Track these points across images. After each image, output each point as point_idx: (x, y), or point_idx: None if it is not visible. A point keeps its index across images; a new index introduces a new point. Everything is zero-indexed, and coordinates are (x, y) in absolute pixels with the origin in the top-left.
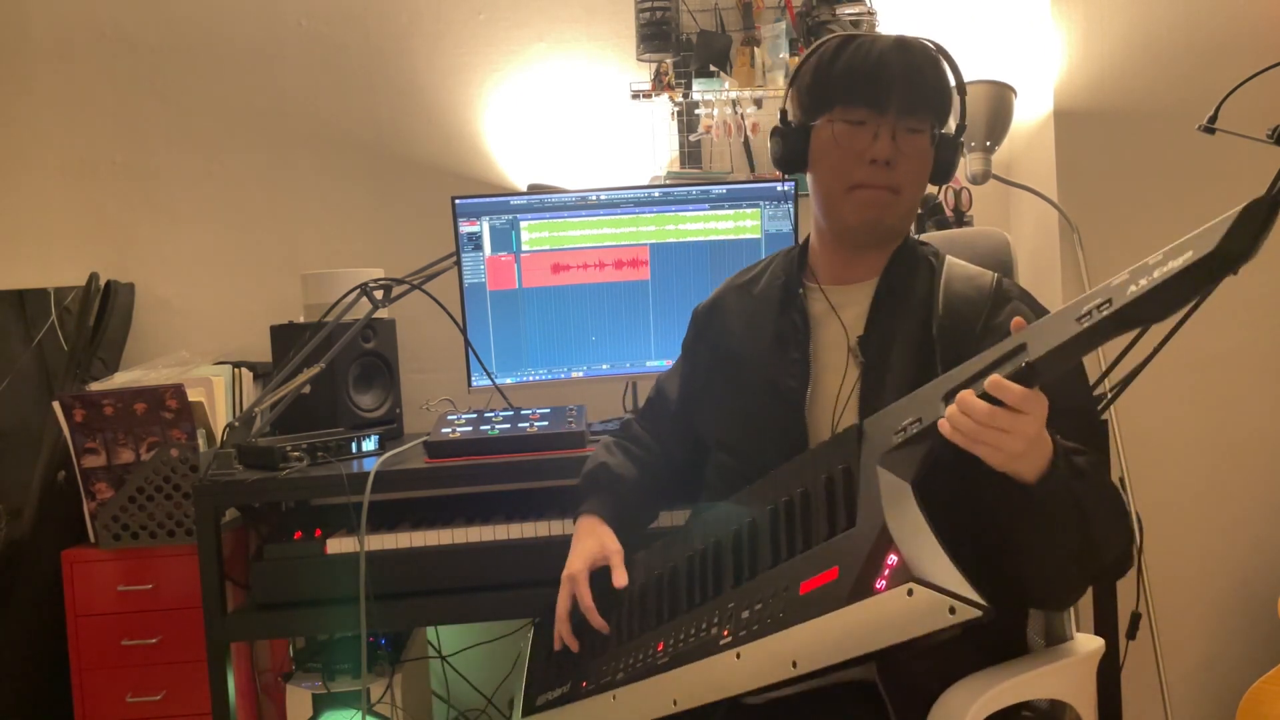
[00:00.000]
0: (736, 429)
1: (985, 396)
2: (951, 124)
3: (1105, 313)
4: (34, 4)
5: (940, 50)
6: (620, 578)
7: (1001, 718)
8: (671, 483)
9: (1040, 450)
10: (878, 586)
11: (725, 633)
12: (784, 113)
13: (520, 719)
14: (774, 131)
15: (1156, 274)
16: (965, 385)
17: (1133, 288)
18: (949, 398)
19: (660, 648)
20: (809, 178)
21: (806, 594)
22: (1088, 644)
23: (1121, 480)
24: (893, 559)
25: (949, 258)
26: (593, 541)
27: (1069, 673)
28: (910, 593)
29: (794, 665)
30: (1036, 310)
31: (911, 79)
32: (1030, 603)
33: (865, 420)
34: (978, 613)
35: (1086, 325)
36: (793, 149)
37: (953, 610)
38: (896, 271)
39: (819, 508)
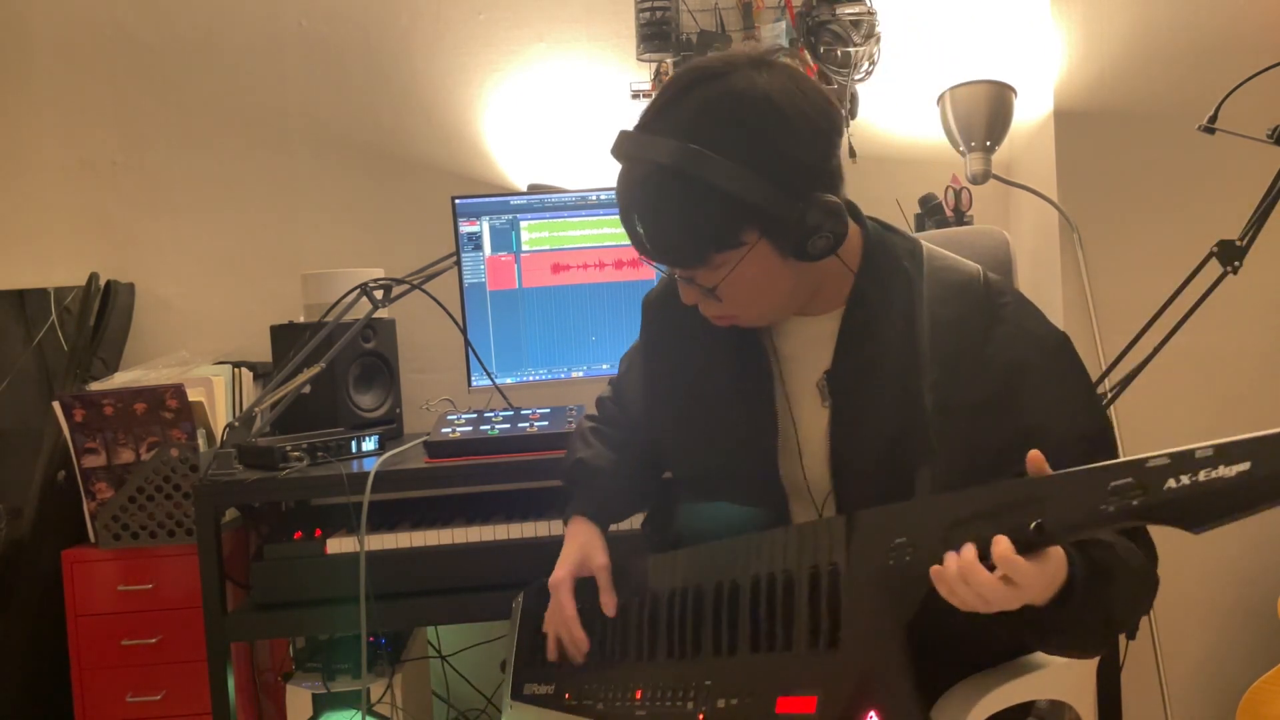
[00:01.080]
0: (703, 471)
1: (988, 551)
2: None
3: (1135, 503)
4: (34, 4)
5: (675, 175)
6: (608, 602)
7: (1001, 718)
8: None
9: (1051, 587)
10: None
11: (700, 717)
12: None
13: (509, 700)
14: None
15: (1203, 476)
16: (969, 526)
17: (1171, 483)
18: (952, 532)
19: (639, 695)
20: None
21: (781, 716)
22: None
23: None
24: (873, 717)
25: (928, 253)
26: (575, 549)
27: (1070, 673)
28: None
29: None
30: (1028, 330)
31: (653, 239)
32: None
33: (858, 514)
34: None
35: (1111, 509)
36: None
37: None
38: (866, 294)
39: (801, 604)
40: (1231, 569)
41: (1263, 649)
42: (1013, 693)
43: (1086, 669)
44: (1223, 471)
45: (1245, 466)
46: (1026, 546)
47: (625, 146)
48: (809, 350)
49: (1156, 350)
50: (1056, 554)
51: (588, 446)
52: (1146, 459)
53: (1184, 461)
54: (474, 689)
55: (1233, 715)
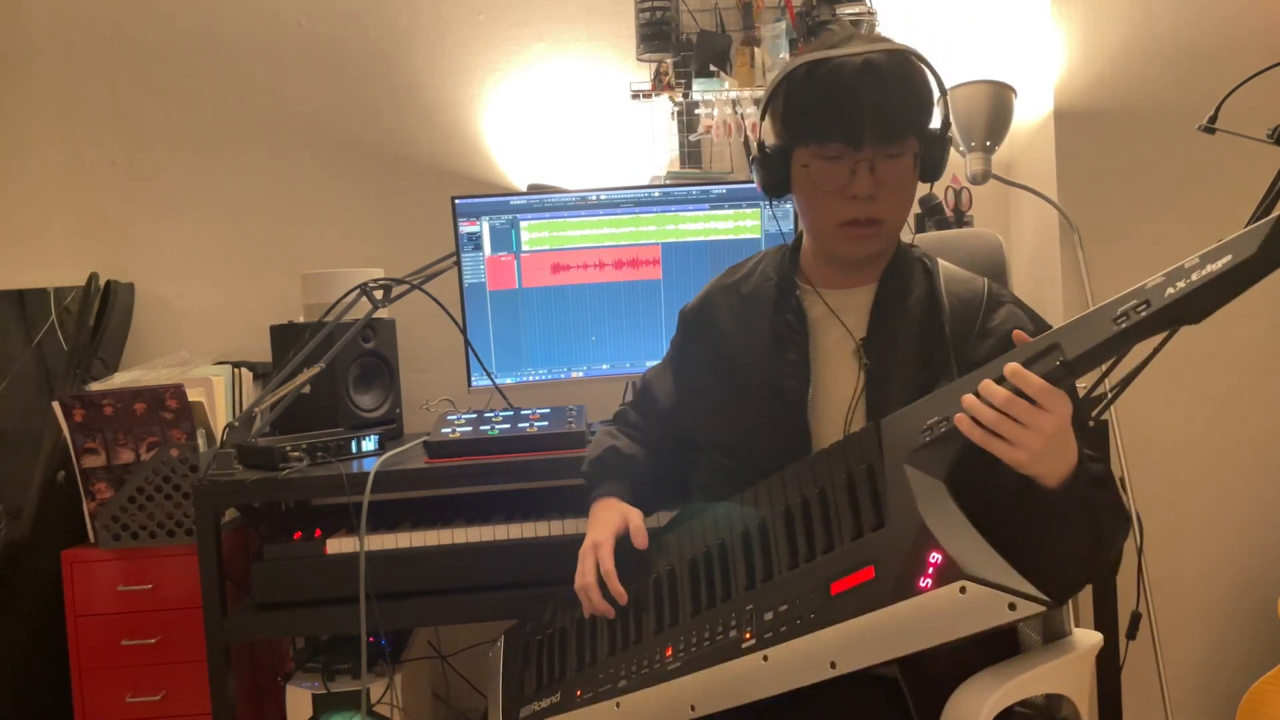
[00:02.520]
0: (735, 431)
1: (1005, 385)
2: (937, 119)
3: (1143, 314)
4: (33, 3)
5: (914, 58)
6: (640, 539)
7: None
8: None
9: (1064, 454)
10: (922, 585)
11: (747, 635)
12: (760, 142)
13: None
14: (753, 160)
15: (1195, 277)
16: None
17: (1170, 290)
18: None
19: (669, 653)
20: (795, 201)
21: (839, 594)
22: (1088, 639)
23: (1121, 480)
24: (936, 557)
25: (940, 261)
26: (614, 514)
27: (1072, 668)
28: (963, 590)
29: (832, 665)
30: (1028, 314)
31: (884, 106)
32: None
33: (883, 420)
34: (1040, 607)
35: (1124, 326)
36: (775, 177)
37: (1013, 606)
38: (894, 275)
39: (840, 507)
40: (1231, 569)
41: (1263, 649)
42: (1023, 688)
43: (1087, 662)
44: (1210, 269)
45: (1228, 259)
46: (1054, 383)
47: (834, 53)
48: (843, 318)
49: (1156, 350)
50: (1065, 400)
51: (617, 439)
52: (1143, 284)
53: (1177, 273)
54: (474, 689)
55: (1233, 715)
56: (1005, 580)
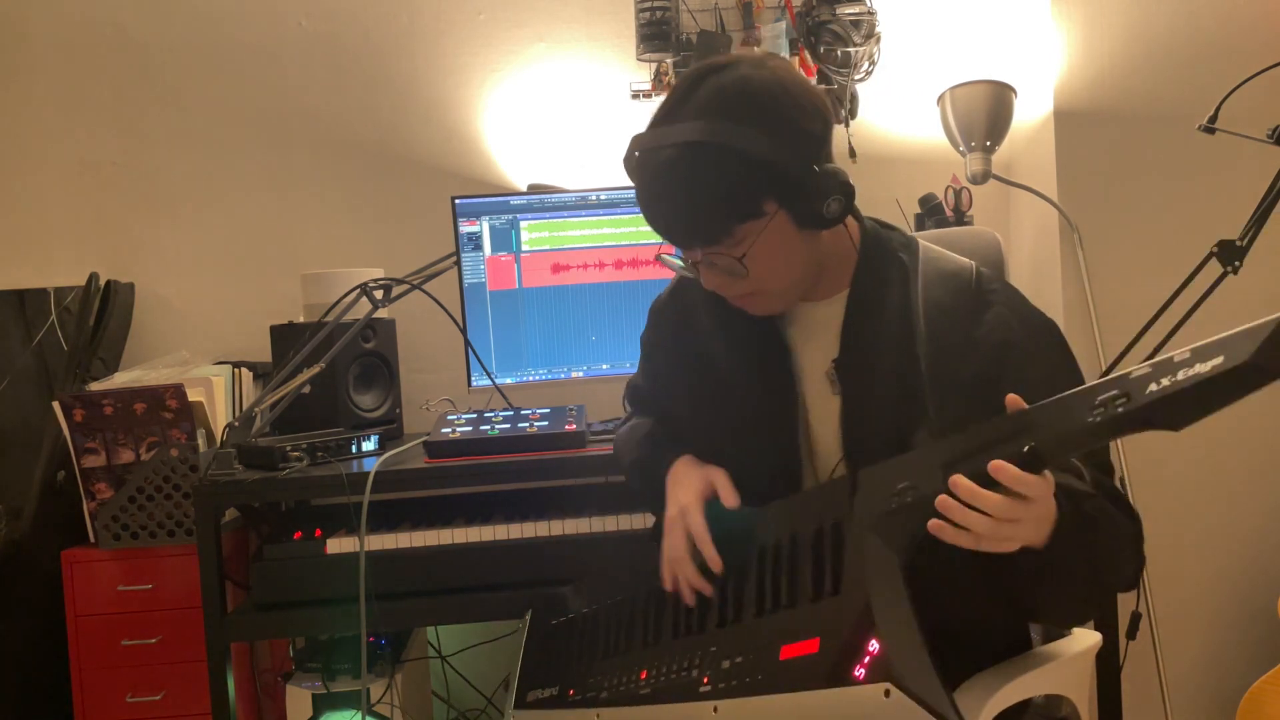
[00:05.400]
0: (725, 449)
1: (987, 481)
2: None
3: (1119, 409)
4: (34, 4)
5: (707, 147)
6: (731, 497)
7: (1003, 714)
8: None
9: (1048, 519)
10: (856, 674)
11: (705, 680)
12: None
13: (511, 710)
14: None
15: (1181, 375)
16: (967, 461)
17: (1153, 386)
18: (950, 470)
19: (644, 676)
20: None
21: (786, 660)
22: (1086, 639)
23: (1122, 480)
24: (874, 645)
25: (923, 247)
26: (695, 474)
27: (1071, 667)
28: (887, 694)
29: None
30: (1016, 312)
31: (684, 216)
32: (1035, 622)
33: (861, 471)
34: None
35: (1098, 419)
36: None
37: None
38: (866, 283)
39: (805, 562)
40: (1231, 569)
41: (1263, 649)
42: (1020, 689)
43: (1086, 662)
44: (1199, 369)
45: (1219, 360)
46: (1022, 467)
47: (644, 142)
48: (814, 337)
49: (1156, 350)
50: (1048, 482)
51: (647, 421)
52: (1130, 371)
53: (1164, 367)
54: (474, 689)
55: (1233, 715)
56: (927, 695)
